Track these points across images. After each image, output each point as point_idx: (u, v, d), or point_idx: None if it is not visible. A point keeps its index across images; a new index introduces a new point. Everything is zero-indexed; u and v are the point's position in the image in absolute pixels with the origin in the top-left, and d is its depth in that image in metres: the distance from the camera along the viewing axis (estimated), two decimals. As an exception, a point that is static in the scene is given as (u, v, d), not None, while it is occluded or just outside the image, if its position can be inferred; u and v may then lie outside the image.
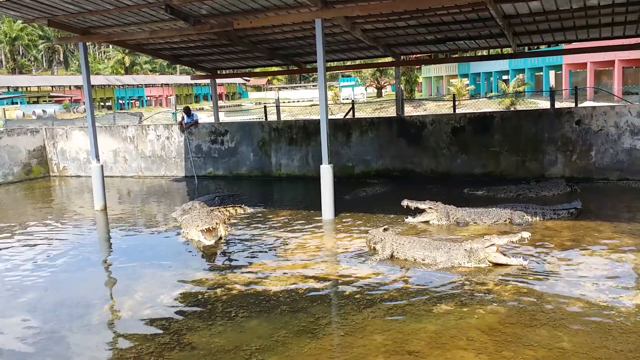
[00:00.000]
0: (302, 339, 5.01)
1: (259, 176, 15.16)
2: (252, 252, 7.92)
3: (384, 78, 55.58)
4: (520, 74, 46.59)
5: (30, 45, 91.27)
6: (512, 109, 28.57)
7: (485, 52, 26.83)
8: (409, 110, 34.46)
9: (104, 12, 10.41)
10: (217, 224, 8.44)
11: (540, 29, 12.15)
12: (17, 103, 66.05)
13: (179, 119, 16.42)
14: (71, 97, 73.37)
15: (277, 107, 19.37)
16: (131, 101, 78.77)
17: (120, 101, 76.72)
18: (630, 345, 4.60)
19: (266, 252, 7.90)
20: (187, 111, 16.42)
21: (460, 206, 9.13)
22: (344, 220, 9.53)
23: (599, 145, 11.99)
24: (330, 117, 11.99)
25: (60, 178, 17.16)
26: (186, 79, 64.92)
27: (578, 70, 43.60)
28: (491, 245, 6.63)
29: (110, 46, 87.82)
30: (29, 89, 74.05)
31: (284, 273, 6.88)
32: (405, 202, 9.14)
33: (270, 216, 10.16)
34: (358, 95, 56.44)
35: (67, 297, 6.51)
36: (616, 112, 11.88)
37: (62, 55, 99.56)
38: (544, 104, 27.71)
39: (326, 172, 9.73)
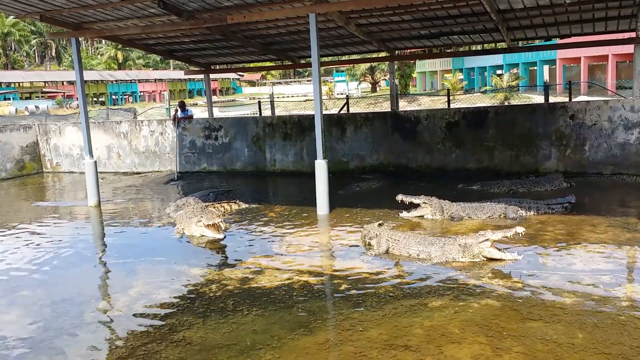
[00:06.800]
0: (297, 334, 5.01)
1: (253, 172, 15.13)
2: (247, 248, 7.91)
3: (378, 73, 55.48)
4: (515, 69, 46.69)
5: (22, 41, 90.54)
6: (506, 103, 28.63)
7: (479, 47, 26.85)
8: (404, 105, 34.50)
9: (96, 7, 10.35)
10: (219, 217, 8.48)
11: (534, 23, 12.16)
12: (9, 99, 65.69)
13: (177, 114, 16.37)
14: (64, 93, 73.00)
15: (272, 102, 19.31)
16: (124, 97, 78.40)
17: (114, 97, 76.34)
18: (625, 338, 4.63)
19: (261, 247, 7.90)
20: (182, 106, 16.38)
21: (455, 201, 9.15)
22: (338, 215, 9.53)
23: (592, 139, 12.03)
24: (324, 112, 11.97)
25: (54, 174, 17.08)
26: (180, 74, 64.65)
27: (572, 64, 43.71)
28: (485, 240, 6.65)
29: (103, 42, 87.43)
30: (21, 84, 73.55)
31: (279, 268, 6.88)
32: (399, 197, 9.15)
33: (265, 212, 10.15)
34: (352, 90, 56.43)
35: (61, 294, 6.49)
36: (610, 106, 11.92)
37: (54, 51, 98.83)
38: (538, 98, 27.77)
39: (321, 168, 9.72)
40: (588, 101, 12.90)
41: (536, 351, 4.46)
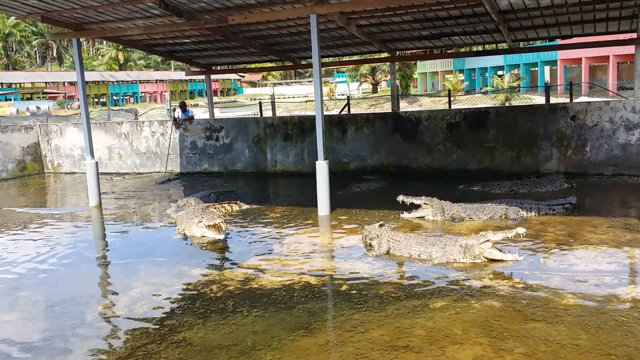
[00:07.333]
0: (297, 335, 5.00)
1: (254, 172, 15.13)
2: (248, 249, 7.90)
3: (379, 74, 55.46)
4: (516, 70, 46.68)
5: (23, 42, 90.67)
6: (507, 104, 28.60)
7: (480, 48, 26.85)
8: (404, 106, 34.48)
9: (97, 8, 10.36)
10: (219, 218, 8.47)
11: (535, 24, 12.15)
12: (10, 100, 65.78)
13: (174, 114, 16.40)
14: (65, 94, 73.07)
15: (272, 103, 19.30)
16: (125, 97, 78.44)
17: (115, 97, 76.39)
18: (629, 339, 4.62)
19: (262, 248, 7.88)
20: (183, 107, 16.37)
21: (456, 202, 9.14)
22: (339, 216, 9.51)
23: (593, 140, 12.02)
24: (325, 113, 11.96)
25: (55, 175, 17.08)
26: (181, 75, 64.66)
27: (573, 65, 43.69)
28: (486, 241, 6.64)
29: (104, 42, 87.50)
30: (22, 85, 73.66)
31: (280, 269, 6.87)
32: (400, 198, 9.14)
33: (266, 212, 10.14)
34: (353, 91, 56.42)
35: (62, 294, 6.48)
36: (611, 107, 11.91)
37: (55, 52, 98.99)
38: (539, 99, 27.76)
39: (321, 168, 9.72)
40: (589, 102, 12.89)
41: (539, 352, 4.44)
